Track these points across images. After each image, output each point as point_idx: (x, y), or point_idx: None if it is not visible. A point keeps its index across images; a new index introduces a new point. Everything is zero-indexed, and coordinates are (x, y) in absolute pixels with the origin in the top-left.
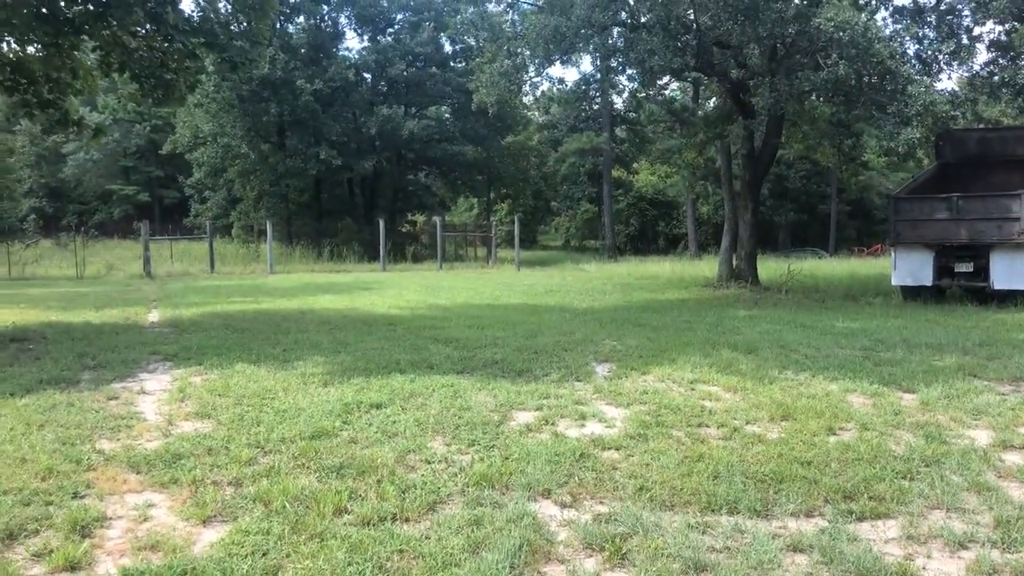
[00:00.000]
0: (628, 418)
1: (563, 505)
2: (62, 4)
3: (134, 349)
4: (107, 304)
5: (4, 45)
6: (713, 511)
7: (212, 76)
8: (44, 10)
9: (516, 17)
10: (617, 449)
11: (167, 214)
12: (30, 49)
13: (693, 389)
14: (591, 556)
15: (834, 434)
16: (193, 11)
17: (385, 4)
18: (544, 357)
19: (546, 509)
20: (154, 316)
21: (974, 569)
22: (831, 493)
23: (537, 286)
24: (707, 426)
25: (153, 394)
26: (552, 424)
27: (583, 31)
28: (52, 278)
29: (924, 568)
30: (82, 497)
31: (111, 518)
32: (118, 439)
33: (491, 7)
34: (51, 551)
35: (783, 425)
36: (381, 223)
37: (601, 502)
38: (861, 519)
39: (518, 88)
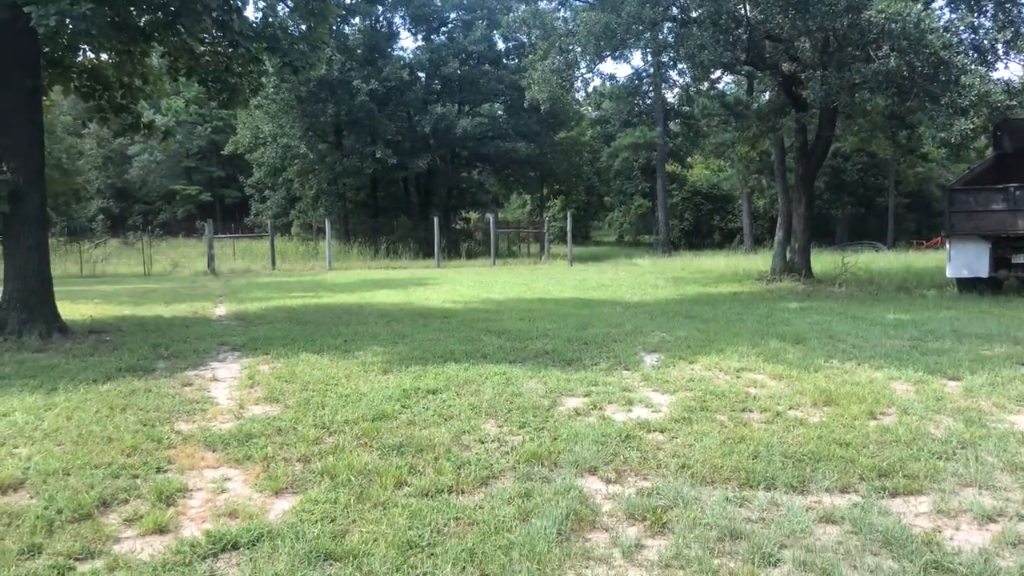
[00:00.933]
0: (674, 403)
1: (608, 481)
2: (134, 12)
3: (204, 340)
4: (175, 299)
5: (81, 54)
6: (751, 487)
7: (272, 78)
8: (117, 19)
9: (568, 14)
10: (662, 431)
11: (228, 213)
12: (104, 56)
13: (739, 377)
14: (633, 525)
15: (874, 418)
16: (256, 17)
17: (439, 3)
18: (594, 347)
19: (592, 484)
20: (221, 310)
21: (999, 540)
22: (866, 471)
23: (589, 281)
24: (750, 411)
25: (224, 381)
26: (600, 409)
27: (634, 27)
28: (121, 275)
29: (951, 539)
30: (165, 471)
31: (192, 490)
32: (194, 421)
33: (543, 4)
34: (141, 517)
35: (825, 410)
36: (435, 220)
37: (644, 478)
38: (894, 495)
39: (570, 84)
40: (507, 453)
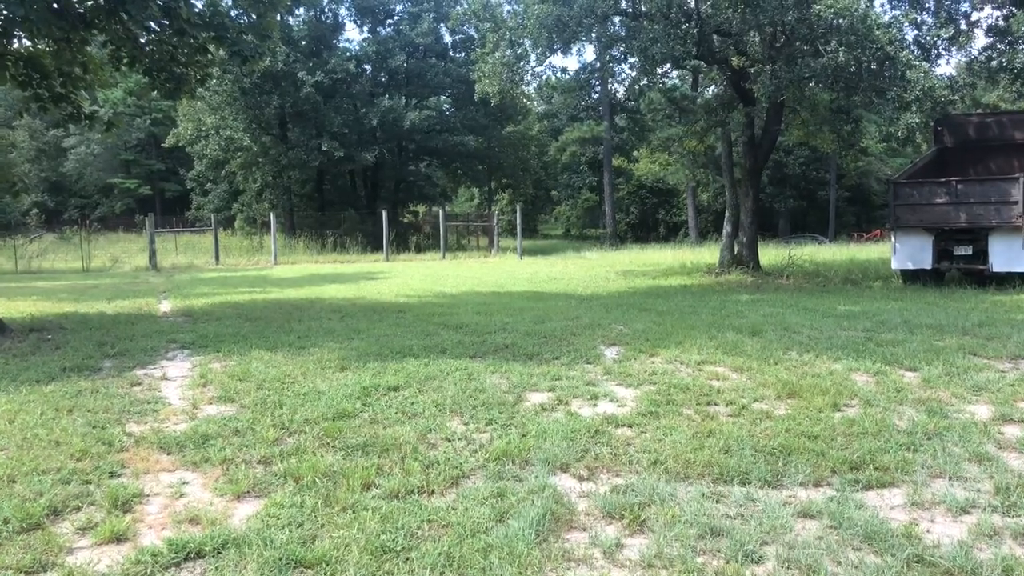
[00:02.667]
0: (639, 397)
1: (581, 478)
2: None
3: (151, 338)
4: (118, 295)
5: (16, 41)
6: (725, 482)
7: (215, 70)
8: (56, 5)
9: (518, 7)
10: (630, 426)
11: (168, 207)
12: (41, 44)
13: (700, 370)
14: (611, 524)
15: (839, 410)
16: (203, 5)
17: None
18: (553, 341)
19: (565, 482)
20: (166, 306)
21: (976, 532)
22: (838, 464)
23: (540, 274)
24: (716, 404)
25: (175, 380)
26: (566, 404)
27: (585, 20)
28: (59, 271)
29: (928, 531)
30: (118, 476)
31: (148, 495)
32: (146, 422)
33: None
34: (95, 525)
35: (790, 403)
36: (383, 214)
37: (617, 475)
38: (867, 488)
39: (520, 78)
40: (476, 451)
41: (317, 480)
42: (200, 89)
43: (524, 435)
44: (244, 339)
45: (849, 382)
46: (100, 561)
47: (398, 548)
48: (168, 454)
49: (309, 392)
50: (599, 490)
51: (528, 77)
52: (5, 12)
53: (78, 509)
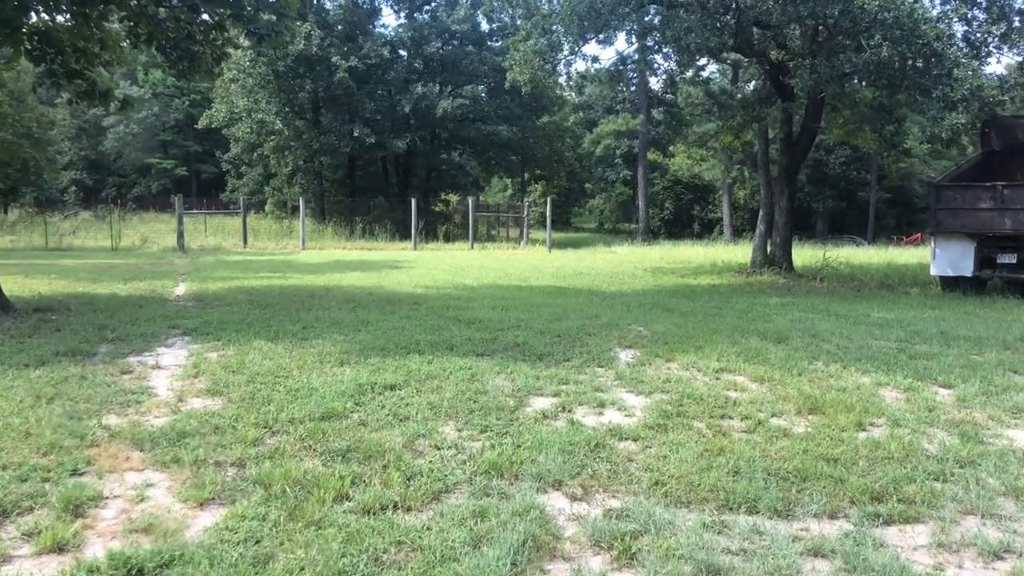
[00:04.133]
0: (648, 407)
1: (573, 498)
2: None
3: (154, 322)
4: (136, 276)
5: (33, 15)
6: (731, 509)
7: (247, 52)
8: None
9: None
10: (634, 440)
11: (204, 188)
12: (59, 19)
13: (718, 378)
14: (598, 555)
15: (864, 430)
16: None
17: None
18: (567, 341)
19: (555, 502)
20: (180, 289)
21: None
22: (858, 494)
23: (567, 268)
24: (730, 418)
25: (167, 369)
26: (569, 411)
27: (619, 8)
28: (88, 249)
29: None
30: (81, 474)
31: (107, 497)
32: (126, 415)
33: None
34: (40, 531)
35: (810, 419)
36: (413, 202)
37: (614, 496)
38: (888, 523)
39: (552, 67)
40: (464, 462)
41: (287, 489)
42: (227, 71)
43: (518, 446)
44: (248, 327)
45: (877, 398)
46: (33, 575)
47: (357, 575)
48: (140, 451)
49: (301, 388)
50: (591, 513)
51: (561, 67)
52: None
53: (29, 511)
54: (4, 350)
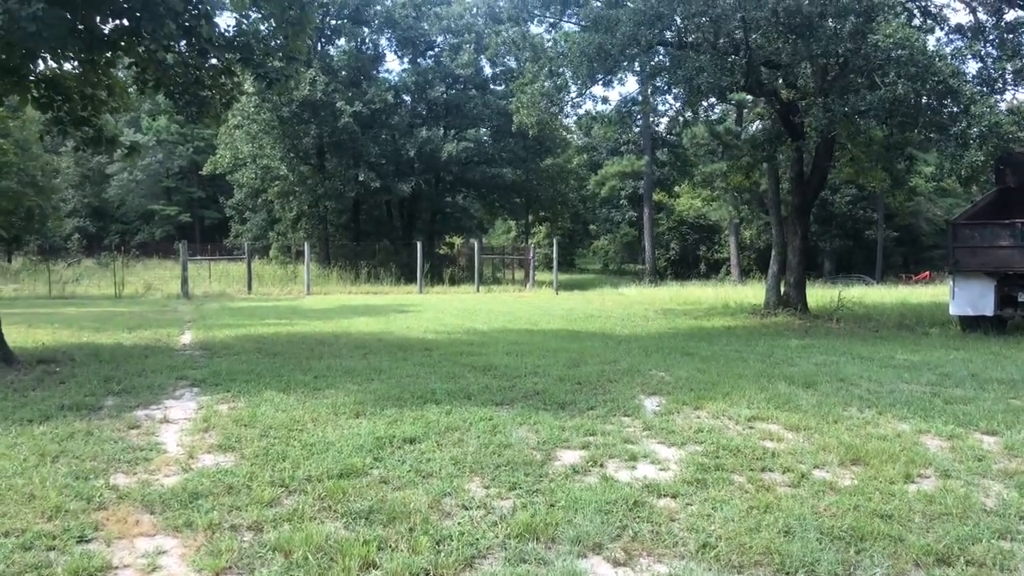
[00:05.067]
0: (683, 460)
1: (616, 563)
2: (97, 18)
3: (161, 373)
4: (141, 325)
5: (40, 62)
6: (788, 574)
7: (252, 98)
8: (80, 25)
9: (558, 36)
10: (673, 496)
11: (208, 234)
12: (67, 66)
13: (751, 427)
14: None
15: (912, 482)
16: (228, 26)
17: (426, 27)
18: (588, 388)
19: (598, 568)
20: (186, 338)
21: None
22: (921, 555)
23: (576, 311)
24: (771, 470)
25: (176, 423)
26: (600, 465)
27: (628, 50)
28: (91, 297)
29: None
30: (88, 541)
31: (116, 567)
32: (135, 473)
33: (533, 27)
34: None
35: (854, 470)
36: (419, 245)
37: (659, 560)
38: None
39: (559, 109)
40: (495, 524)
41: (310, 556)
42: (227, 113)
43: (552, 505)
44: (258, 377)
45: (920, 447)
46: None
47: None
48: (151, 514)
49: (317, 442)
50: None
51: (568, 108)
52: (23, 28)
53: None
54: (7, 404)
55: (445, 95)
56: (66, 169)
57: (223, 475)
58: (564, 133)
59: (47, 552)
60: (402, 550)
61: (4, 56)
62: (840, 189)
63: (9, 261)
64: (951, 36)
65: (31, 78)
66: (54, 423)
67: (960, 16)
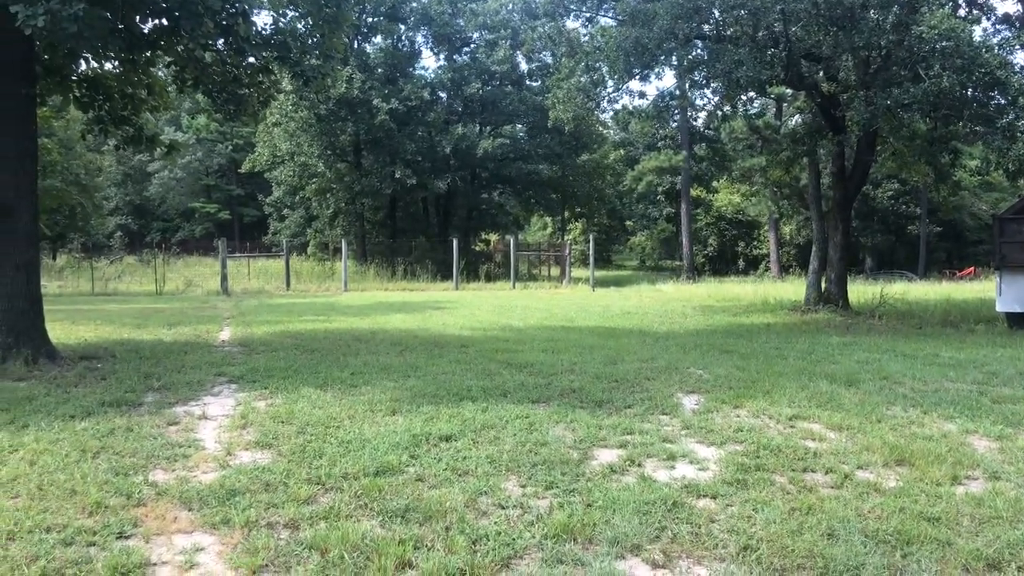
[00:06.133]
0: (723, 459)
1: (655, 565)
2: (136, 17)
3: (200, 370)
4: (180, 321)
5: (82, 63)
6: None
7: (290, 96)
8: (120, 25)
9: (594, 31)
10: (713, 497)
11: (247, 232)
12: (108, 66)
13: (792, 426)
14: None
15: (960, 484)
16: (266, 24)
17: (462, 23)
18: (625, 386)
19: (636, 570)
20: (225, 334)
21: None
22: (970, 560)
23: (613, 307)
24: (813, 471)
25: (215, 419)
26: (638, 465)
27: (665, 43)
28: (132, 294)
29: None
30: (127, 537)
31: (155, 564)
32: (173, 470)
33: (569, 22)
34: None
35: (899, 471)
36: (454, 242)
37: (699, 562)
38: None
39: (596, 104)
40: (532, 523)
41: (346, 555)
42: (270, 115)
43: (589, 505)
44: (295, 374)
45: (967, 447)
46: None
47: None
48: (189, 510)
49: (353, 440)
50: None
51: (604, 103)
52: (64, 29)
53: None
54: (50, 400)
55: (481, 91)
56: (108, 167)
57: (260, 472)
58: (600, 128)
59: (87, 548)
60: (438, 549)
61: (47, 56)
62: (882, 184)
63: (54, 258)
64: (998, 26)
65: (73, 78)
66: (95, 419)
67: (1007, 5)
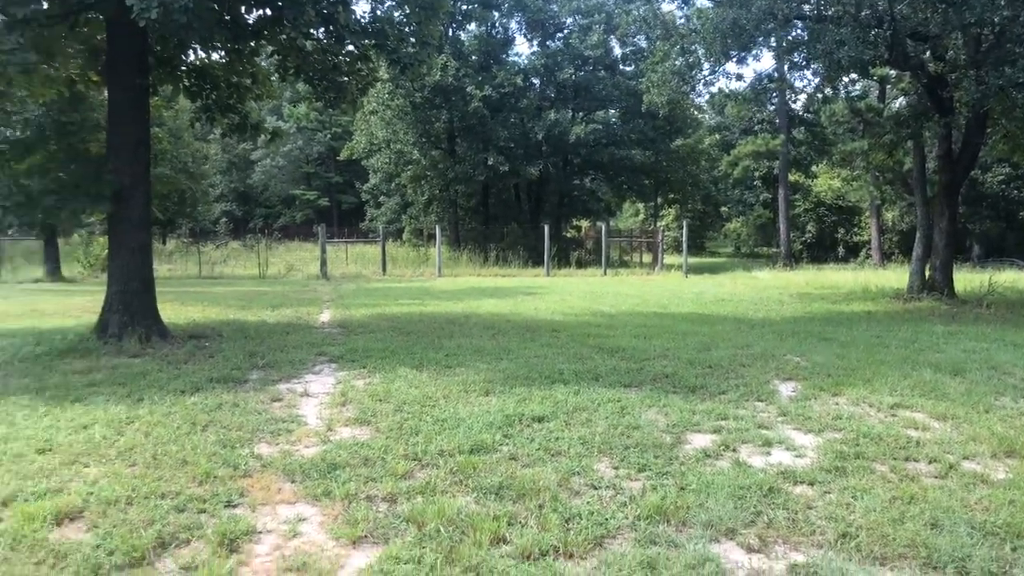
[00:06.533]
0: (821, 447)
1: (750, 549)
2: (242, 8)
3: (302, 349)
4: (283, 303)
5: (191, 53)
6: (935, 569)
7: (387, 84)
8: (227, 16)
9: (690, 13)
10: (810, 484)
11: (345, 218)
12: (215, 56)
13: (894, 415)
14: None
15: None
16: (364, 13)
17: (555, 8)
18: (719, 372)
19: (730, 553)
20: (325, 316)
21: None
22: None
23: (707, 294)
24: (916, 460)
25: (316, 397)
26: (733, 450)
27: (763, 24)
28: (237, 277)
29: None
30: (235, 506)
31: (261, 532)
32: (277, 444)
33: (664, 5)
34: (198, 566)
35: (1008, 463)
36: (546, 228)
37: (795, 548)
38: None
39: (691, 87)
40: (625, 504)
41: (442, 528)
42: (367, 103)
43: (683, 488)
44: (392, 355)
45: None
46: None
47: None
48: (292, 483)
49: (449, 418)
50: (773, 568)
51: (700, 87)
52: (175, 20)
53: (186, 543)
54: (162, 376)
55: (574, 77)
56: (214, 156)
57: (359, 448)
58: (695, 113)
59: (198, 514)
60: (531, 526)
61: (159, 48)
62: (992, 167)
63: (164, 243)
64: None
65: (182, 68)
66: (204, 394)
67: None
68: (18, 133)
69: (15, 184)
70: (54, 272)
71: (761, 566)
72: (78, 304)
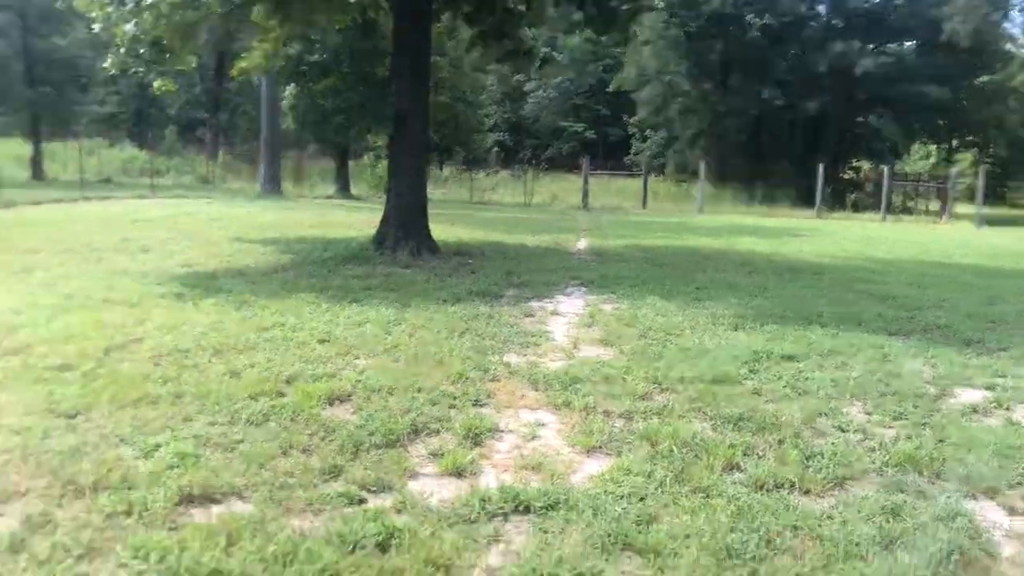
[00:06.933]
0: None
1: (1012, 511)
2: None
3: (556, 272)
4: (543, 230)
5: None
6: None
7: (661, 13)
8: None
9: None
10: None
11: (610, 151)
12: None
13: None
14: None
15: None
16: None
17: None
18: (1003, 328)
19: (988, 512)
20: (582, 244)
21: None
22: None
23: (1001, 248)
24: None
25: (564, 316)
26: (1006, 408)
27: None
28: (504, 204)
29: None
30: (482, 405)
31: (503, 431)
32: (525, 354)
33: None
34: (443, 454)
35: None
36: (820, 168)
37: None
38: None
39: (1003, 14)
40: (873, 450)
41: (675, 449)
42: (641, 33)
43: (941, 440)
44: (643, 284)
45: None
46: (434, 495)
47: (747, 555)
48: (535, 390)
49: (693, 348)
50: None
51: (1015, 13)
52: None
53: (435, 433)
54: (429, 287)
55: (866, 4)
56: (491, 86)
57: (601, 366)
58: (1007, 44)
59: (449, 409)
60: (768, 459)
61: None
62: None
63: (441, 169)
64: None
65: None
66: (463, 305)
67: None
68: (318, 58)
69: (313, 103)
70: (344, 190)
71: (1022, 529)
72: (362, 219)
